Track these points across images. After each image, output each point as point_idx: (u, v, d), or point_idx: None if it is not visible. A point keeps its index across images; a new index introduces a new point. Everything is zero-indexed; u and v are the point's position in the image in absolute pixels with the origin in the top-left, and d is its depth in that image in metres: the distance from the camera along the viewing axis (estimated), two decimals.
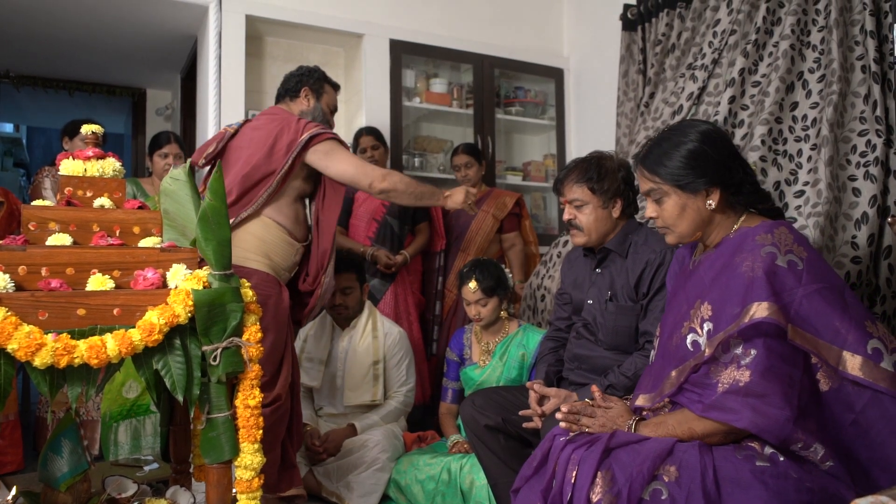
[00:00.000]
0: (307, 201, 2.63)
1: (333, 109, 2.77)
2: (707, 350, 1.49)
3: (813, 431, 1.39)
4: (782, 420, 1.37)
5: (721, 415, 1.43)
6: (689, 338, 1.55)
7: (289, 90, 2.71)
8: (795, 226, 2.38)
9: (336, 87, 2.81)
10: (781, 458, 1.41)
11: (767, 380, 1.40)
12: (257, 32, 4.08)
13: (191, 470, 2.04)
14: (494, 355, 2.77)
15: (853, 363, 1.41)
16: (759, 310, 1.42)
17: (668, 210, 1.64)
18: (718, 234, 1.64)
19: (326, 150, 2.44)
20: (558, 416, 1.64)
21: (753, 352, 1.43)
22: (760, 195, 1.64)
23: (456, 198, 2.61)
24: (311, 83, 2.70)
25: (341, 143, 2.50)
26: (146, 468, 2.68)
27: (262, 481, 1.63)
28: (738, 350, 1.45)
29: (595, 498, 1.39)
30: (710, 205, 1.60)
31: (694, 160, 1.58)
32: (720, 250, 1.61)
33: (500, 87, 4.69)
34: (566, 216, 2.20)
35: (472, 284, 2.72)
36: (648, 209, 1.69)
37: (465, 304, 2.80)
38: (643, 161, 1.67)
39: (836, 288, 1.47)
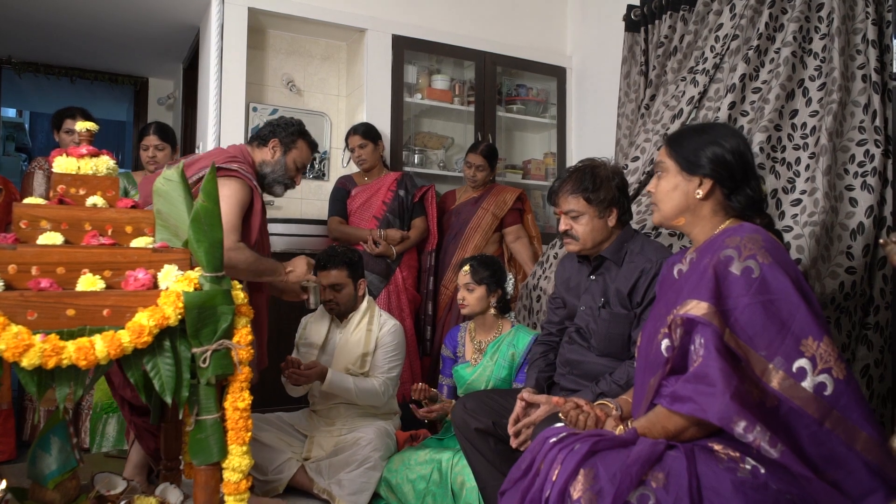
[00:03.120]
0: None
1: (301, 167, 2.74)
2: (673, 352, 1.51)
3: (754, 413, 1.38)
4: (719, 396, 1.37)
5: (679, 405, 1.45)
6: (664, 343, 1.56)
7: (259, 136, 2.69)
8: (791, 235, 2.38)
9: (313, 146, 2.78)
10: (762, 471, 1.41)
11: (709, 362, 1.41)
12: (260, 25, 4.08)
13: (181, 467, 2.05)
14: (486, 354, 2.78)
15: (775, 377, 1.42)
16: (697, 308, 1.45)
17: (661, 186, 1.70)
18: (703, 230, 1.66)
19: (220, 188, 2.35)
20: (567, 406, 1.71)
21: (701, 339, 1.45)
22: (754, 207, 1.64)
23: (297, 271, 2.64)
24: (283, 136, 2.67)
25: (243, 188, 2.45)
26: None
27: (250, 483, 1.63)
28: (696, 343, 1.47)
29: (575, 495, 1.39)
30: (698, 194, 1.63)
31: (712, 154, 1.62)
32: (700, 254, 1.62)
33: (501, 85, 4.68)
34: (562, 227, 2.18)
35: (466, 268, 2.80)
36: (651, 183, 1.75)
37: (458, 289, 2.85)
38: (669, 138, 1.73)
39: (786, 301, 1.45)
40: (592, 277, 2.22)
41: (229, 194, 2.41)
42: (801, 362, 1.42)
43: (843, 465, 1.41)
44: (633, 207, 2.80)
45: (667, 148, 1.72)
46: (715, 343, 1.42)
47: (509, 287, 2.87)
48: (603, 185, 2.13)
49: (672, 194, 1.67)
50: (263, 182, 2.66)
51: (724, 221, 1.65)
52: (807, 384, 1.41)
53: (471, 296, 2.77)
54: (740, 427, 1.36)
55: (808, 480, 1.37)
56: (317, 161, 4.17)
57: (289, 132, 2.68)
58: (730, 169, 1.62)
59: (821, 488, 1.39)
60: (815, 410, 1.39)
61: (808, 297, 1.48)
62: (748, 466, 1.43)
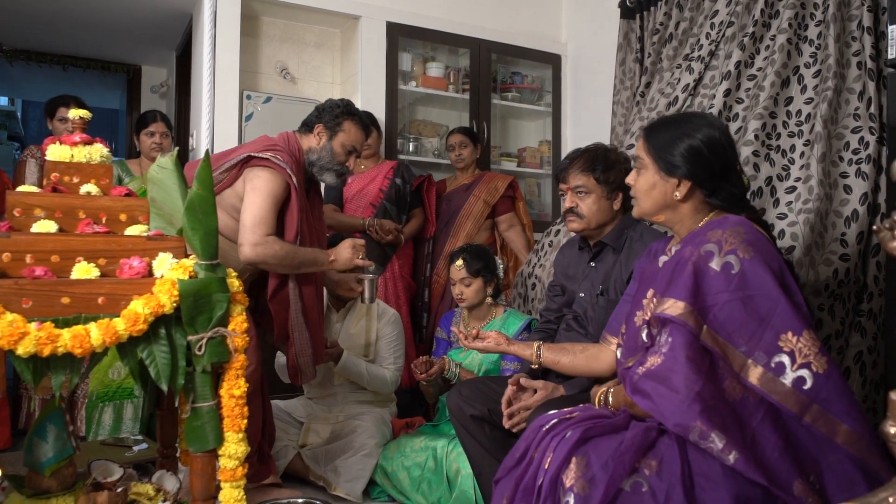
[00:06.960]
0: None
1: (351, 150, 2.52)
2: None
3: (713, 419, 1.37)
4: (678, 403, 1.38)
5: (639, 398, 1.46)
6: (644, 331, 1.58)
7: (306, 123, 2.52)
8: (785, 222, 2.39)
9: (363, 125, 2.58)
10: None
11: (674, 366, 1.41)
12: (253, 12, 4.05)
13: (177, 454, 2.06)
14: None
15: (754, 373, 1.42)
16: (674, 308, 1.44)
17: (640, 182, 1.68)
18: (685, 226, 1.65)
19: (251, 178, 2.27)
20: None
21: (669, 339, 1.45)
22: (737, 203, 1.63)
23: (340, 259, 2.46)
24: (327, 120, 2.48)
25: (276, 179, 2.28)
26: (135, 448, 2.70)
27: (245, 470, 1.64)
28: (662, 337, 1.47)
29: (568, 482, 1.40)
30: (676, 195, 1.62)
31: (687, 152, 1.59)
32: (683, 246, 1.61)
33: (496, 72, 4.66)
34: (568, 203, 2.19)
35: (459, 262, 2.78)
36: (630, 175, 1.72)
37: (452, 284, 2.84)
38: (646, 130, 1.69)
39: (766, 296, 1.44)
40: (592, 264, 2.23)
41: (259, 186, 2.25)
42: (781, 357, 1.42)
43: (825, 457, 1.41)
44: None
45: (644, 142, 1.68)
46: (685, 348, 1.42)
47: (500, 270, 2.88)
48: (614, 167, 2.17)
49: (651, 192, 1.65)
50: (313, 170, 2.49)
51: (707, 215, 1.63)
52: (786, 379, 1.41)
53: (468, 290, 2.77)
54: (695, 434, 1.37)
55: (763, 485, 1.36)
56: None
57: (333, 114, 2.48)
58: (708, 168, 1.59)
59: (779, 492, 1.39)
60: (794, 405, 1.40)
61: (790, 290, 1.48)
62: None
